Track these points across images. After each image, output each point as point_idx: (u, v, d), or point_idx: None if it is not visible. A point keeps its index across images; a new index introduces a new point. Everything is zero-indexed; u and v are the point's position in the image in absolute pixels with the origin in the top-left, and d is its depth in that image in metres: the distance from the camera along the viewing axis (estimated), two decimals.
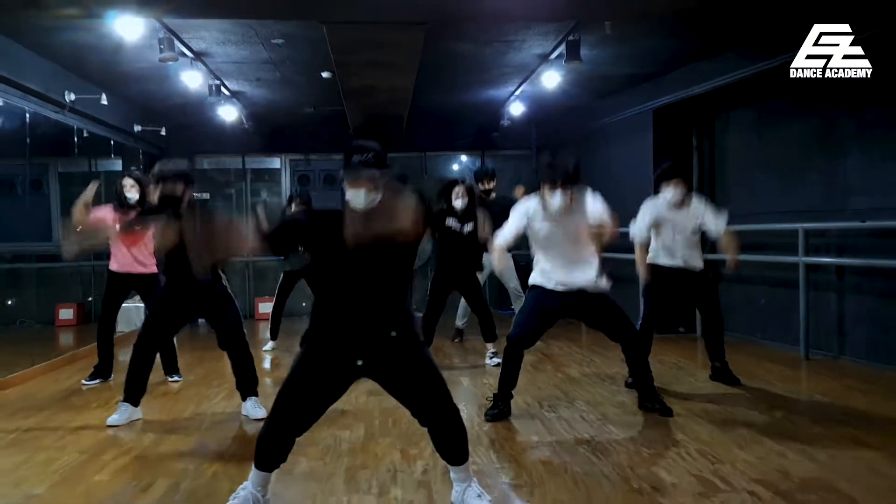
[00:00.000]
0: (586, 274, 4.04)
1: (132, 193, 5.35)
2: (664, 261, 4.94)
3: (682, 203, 4.85)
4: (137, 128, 8.45)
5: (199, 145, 9.91)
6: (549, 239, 4.05)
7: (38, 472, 3.49)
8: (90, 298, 9.70)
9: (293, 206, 6.71)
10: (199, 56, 6.22)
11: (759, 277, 6.87)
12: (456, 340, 7.13)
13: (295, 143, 10.31)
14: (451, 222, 5.79)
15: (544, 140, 10.01)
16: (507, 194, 6.64)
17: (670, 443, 3.77)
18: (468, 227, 5.76)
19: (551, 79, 6.80)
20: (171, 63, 5.79)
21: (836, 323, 6.01)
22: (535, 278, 4.18)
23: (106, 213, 5.36)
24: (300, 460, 3.46)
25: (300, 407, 2.71)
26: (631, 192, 6.78)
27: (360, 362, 2.69)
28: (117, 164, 9.74)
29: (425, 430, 2.80)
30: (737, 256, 4.86)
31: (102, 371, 5.59)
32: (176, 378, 5.60)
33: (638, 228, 4.92)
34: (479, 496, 2.81)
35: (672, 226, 4.88)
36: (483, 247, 5.54)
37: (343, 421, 4.22)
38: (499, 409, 4.28)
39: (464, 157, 10.90)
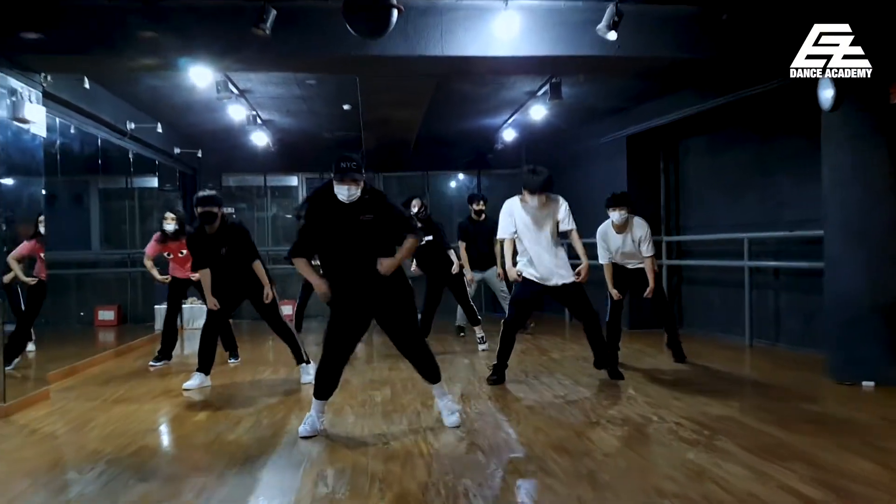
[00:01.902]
0: (559, 269, 5.24)
1: (171, 225, 6.63)
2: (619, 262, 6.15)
3: (624, 227, 5.99)
4: (177, 150, 9.64)
5: (227, 165, 11.12)
6: (527, 228, 5.24)
7: (150, 416, 4.68)
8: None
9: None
10: (243, 93, 7.44)
11: (713, 280, 8.11)
12: (461, 335, 8.30)
13: (311, 162, 11.52)
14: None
15: (533, 161, 11.26)
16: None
17: (624, 397, 4.97)
18: (427, 238, 6.96)
19: (538, 111, 8.06)
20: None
21: (774, 316, 7.23)
22: (520, 268, 5.36)
23: (152, 247, 6.76)
24: (346, 409, 4.66)
25: (340, 344, 4.03)
26: None
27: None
28: (153, 181, 10.93)
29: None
30: (651, 284, 6.00)
31: (165, 354, 6.74)
32: (234, 360, 6.77)
33: (601, 257, 6.12)
34: (451, 412, 4.21)
35: (618, 246, 6.07)
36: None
37: (372, 387, 5.41)
38: (497, 377, 5.47)
39: (461, 176, 12.17)
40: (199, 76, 5.87)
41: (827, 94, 5.29)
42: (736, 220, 7.66)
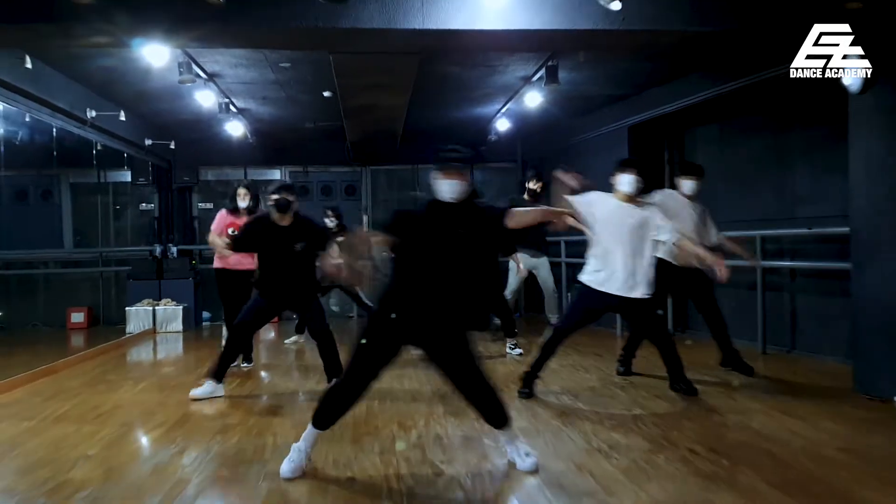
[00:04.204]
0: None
1: (244, 201, 6.00)
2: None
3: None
4: (148, 141, 9.03)
5: (204, 158, 10.51)
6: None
7: (86, 440, 4.07)
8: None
9: (326, 221, 7.37)
10: (212, 77, 6.83)
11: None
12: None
13: (294, 155, 10.91)
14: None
15: (529, 154, 10.68)
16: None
17: (629, 415, 4.38)
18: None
19: (533, 98, 7.45)
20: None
21: (790, 320, 6.65)
22: None
23: (220, 221, 6.02)
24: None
25: (370, 367, 3.26)
26: None
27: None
28: (127, 176, 10.35)
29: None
30: None
31: (246, 357, 6.20)
32: (247, 364, 6.18)
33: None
34: (526, 454, 3.39)
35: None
36: None
37: None
38: (528, 390, 4.89)
39: None
40: (155, 55, 5.26)
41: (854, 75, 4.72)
42: (749, 216, 7.08)
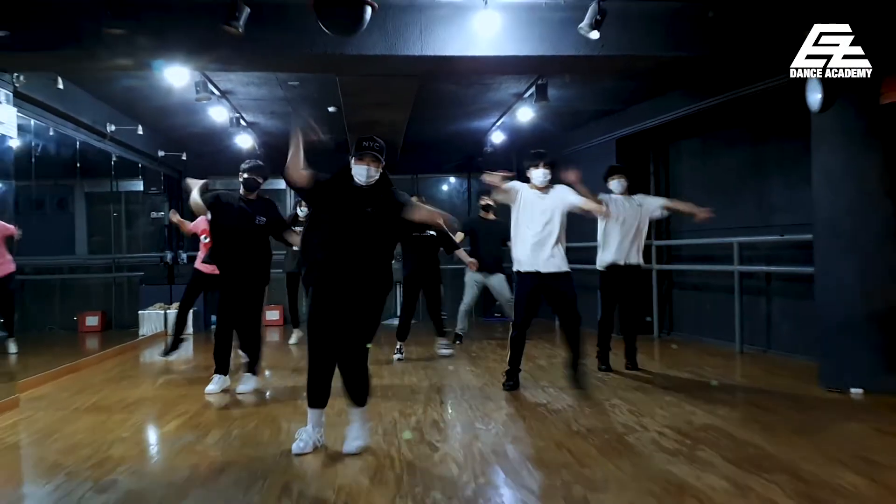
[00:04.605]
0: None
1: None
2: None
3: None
4: (161, 153, 9.50)
5: (213, 168, 10.94)
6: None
7: (118, 426, 4.52)
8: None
9: (298, 210, 7.75)
10: (225, 94, 7.31)
11: (704, 284, 7.97)
12: (457, 343, 7.95)
13: None
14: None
15: (523, 164, 11.15)
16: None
17: (608, 405, 4.83)
18: (430, 231, 6.77)
19: (525, 114, 7.93)
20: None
21: (765, 322, 7.10)
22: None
23: (198, 222, 6.62)
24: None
25: (320, 340, 3.71)
26: None
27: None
28: (139, 185, 10.80)
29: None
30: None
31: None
32: None
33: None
34: (355, 439, 3.79)
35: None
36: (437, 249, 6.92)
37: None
38: (512, 382, 5.36)
39: (452, 179, 12.03)
40: (176, 76, 5.74)
41: (815, 96, 5.17)
42: (728, 223, 7.52)
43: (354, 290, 3.74)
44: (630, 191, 6.15)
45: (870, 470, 3.36)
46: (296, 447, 3.76)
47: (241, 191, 5.41)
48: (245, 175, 5.36)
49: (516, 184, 5.23)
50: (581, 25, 4.65)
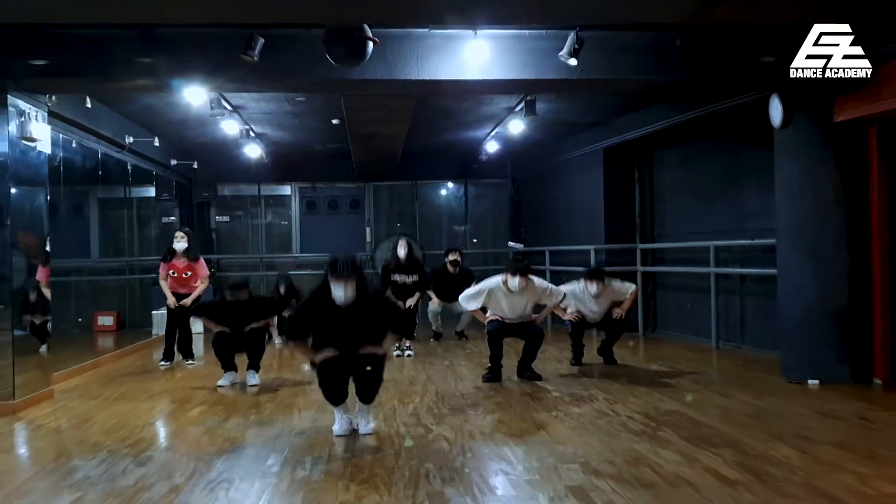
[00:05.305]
0: None
1: (181, 243, 7.03)
2: None
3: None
4: (174, 162, 10.04)
5: (222, 176, 11.53)
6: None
7: (147, 413, 5.07)
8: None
9: (281, 289, 8.60)
10: (236, 109, 7.85)
11: (684, 285, 8.51)
12: (463, 339, 8.56)
13: (304, 173, 11.95)
14: (395, 277, 7.77)
15: (517, 171, 11.73)
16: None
17: (588, 395, 5.36)
18: (411, 279, 7.72)
19: (517, 126, 8.48)
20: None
21: (739, 319, 7.63)
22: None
23: (162, 270, 7.13)
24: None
25: (329, 372, 4.27)
26: (585, 212, 8.76)
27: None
28: (151, 191, 11.33)
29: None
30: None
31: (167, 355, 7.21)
32: (165, 363, 7.15)
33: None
34: (367, 423, 4.35)
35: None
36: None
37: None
38: (491, 374, 5.95)
39: (450, 185, 12.59)
40: (194, 95, 6.26)
41: (776, 113, 5.70)
42: (707, 228, 8.05)
43: (361, 358, 4.28)
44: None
45: (803, 444, 3.89)
46: (336, 429, 4.32)
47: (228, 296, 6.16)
48: (229, 297, 6.13)
49: (487, 288, 5.99)
50: (561, 53, 5.17)
